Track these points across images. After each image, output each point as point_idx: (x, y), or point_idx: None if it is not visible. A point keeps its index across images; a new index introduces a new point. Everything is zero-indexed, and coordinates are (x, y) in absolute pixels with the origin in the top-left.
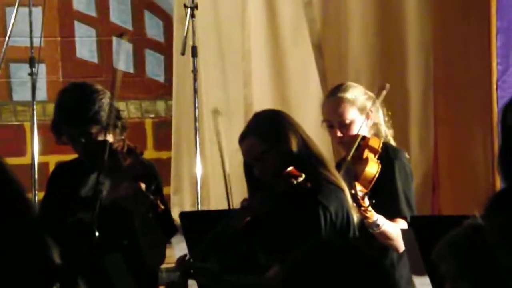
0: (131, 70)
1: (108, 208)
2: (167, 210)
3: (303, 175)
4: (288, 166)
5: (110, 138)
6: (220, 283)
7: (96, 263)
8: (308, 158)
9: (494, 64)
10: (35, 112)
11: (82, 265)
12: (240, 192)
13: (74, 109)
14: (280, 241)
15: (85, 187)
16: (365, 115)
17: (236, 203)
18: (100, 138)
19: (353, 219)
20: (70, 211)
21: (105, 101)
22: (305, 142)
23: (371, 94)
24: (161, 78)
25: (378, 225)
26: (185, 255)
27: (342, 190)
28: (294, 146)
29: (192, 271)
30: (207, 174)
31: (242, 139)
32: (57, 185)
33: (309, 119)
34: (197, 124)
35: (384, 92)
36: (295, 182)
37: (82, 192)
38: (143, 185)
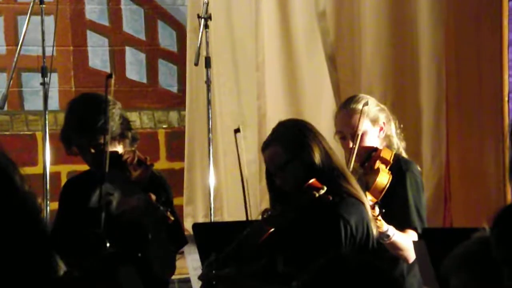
0: (144, 80)
1: (121, 221)
2: (178, 221)
3: (325, 188)
4: (310, 178)
5: (120, 149)
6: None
7: (108, 275)
8: (330, 170)
9: (506, 76)
10: (47, 121)
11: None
12: (252, 201)
13: (83, 120)
14: (300, 254)
15: (94, 198)
16: (378, 127)
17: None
18: (110, 148)
19: (373, 232)
20: (81, 223)
21: (115, 111)
22: (328, 154)
23: (383, 106)
24: (174, 88)
25: (388, 236)
26: (209, 267)
27: (363, 203)
28: (317, 158)
29: (214, 282)
30: (220, 185)
31: (266, 146)
32: (68, 199)
33: (322, 130)
34: (210, 135)
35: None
36: (317, 194)
37: (92, 203)
38: (153, 197)
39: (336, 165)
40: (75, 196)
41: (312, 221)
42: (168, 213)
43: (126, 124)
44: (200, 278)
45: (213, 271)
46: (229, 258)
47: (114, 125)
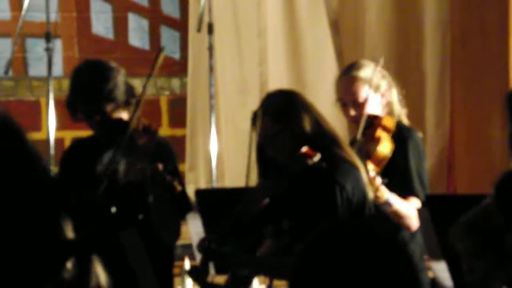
0: (147, 47)
1: (123, 183)
2: (183, 189)
3: (318, 155)
4: (302, 147)
5: (125, 115)
6: (239, 266)
7: (112, 238)
8: (321, 138)
9: (511, 42)
10: (51, 87)
11: (97, 241)
12: (253, 170)
13: (89, 87)
14: (297, 222)
15: (100, 165)
16: (380, 94)
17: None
18: (115, 115)
19: (369, 197)
20: (86, 188)
21: (120, 78)
22: (319, 122)
23: (385, 72)
24: (177, 55)
25: (389, 204)
26: (205, 239)
27: (357, 168)
28: (308, 126)
29: (213, 260)
30: (222, 152)
31: (255, 118)
32: (71, 162)
33: (324, 97)
34: (212, 101)
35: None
36: (310, 162)
37: (98, 170)
38: (160, 166)
39: (328, 132)
40: (79, 161)
41: (307, 189)
42: (175, 182)
43: (130, 91)
44: (200, 252)
45: (211, 249)
46: (227, 231)
47: (120, 92)
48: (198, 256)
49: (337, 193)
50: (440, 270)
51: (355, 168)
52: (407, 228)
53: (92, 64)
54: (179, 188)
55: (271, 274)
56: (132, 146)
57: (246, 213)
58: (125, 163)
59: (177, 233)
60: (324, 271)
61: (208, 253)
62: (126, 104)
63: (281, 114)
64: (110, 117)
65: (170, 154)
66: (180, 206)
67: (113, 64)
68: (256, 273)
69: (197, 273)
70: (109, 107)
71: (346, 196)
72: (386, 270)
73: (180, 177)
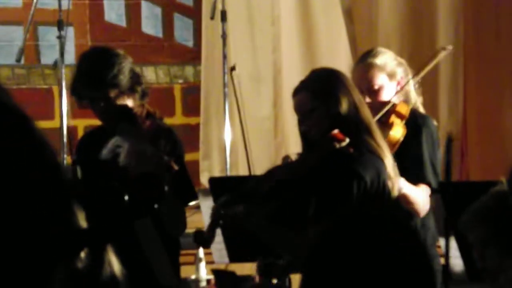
0: (160, 35)
1: (137, 172)
2: (186, 175)
3: (347, 140)
4: (334, 128)
5: (129, 102)
6: (248, 226)
7: (126, 228)
8: (355, 123)
9: None
10: (63, 75)
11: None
12: (266, 157)
13: (92, 73)
14: (315, 205)
15: (104, 150)
16: (396, 82)
17: (261, 170)
18: (120, 102)
19: (389, 191)
20: (93, 176)
21: (125, 65)
22: (356, 107)
23: (401, 60)
24: (190, 43)
25: (399, 188)
26: (219, 206)
27: (382, 160)
28: (344, 109)
29: (221, 220)
30: (236, 140)
31: (295, 93)
32: (83, 152)
33: None
34: (226, 89)
35: (443, 53)
36: (337, 145)
37: (102, 155)
38: (159, 148)
39: (363, 118)
40: (88, 150)
41: (328, 172)
42: (172, 162)
43: (136, 78)
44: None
45: (223, 211)
46: (241, 199)
47: (124, 79)
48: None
49: (354, 183)
50: (453, 256)
51: (379, 160)
52: (415, 213)
53: (97, 50)
54: (175, 167)
55: (274, 244)
56: (134, 131)
57: (264, 184)
58: (127, 148)
59: (182, 224)
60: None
61: (218, 214)
62: (131, 91)
63: (320, 92)
64: (114, 103)
65: (169, 136)
66: (182, 191)
67: (120, 51)
68: (261, 239)
69: (202, 237)
70: (112, 93)
71: (364, 187)
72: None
73: (181, 160)
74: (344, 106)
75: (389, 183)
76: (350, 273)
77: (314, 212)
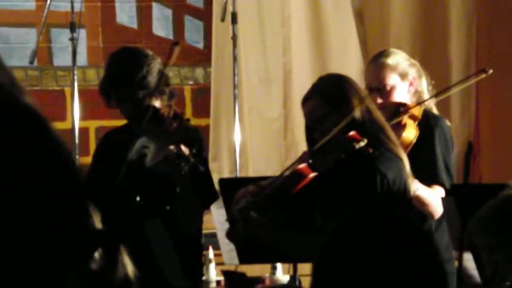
0: (171, 37)
1: (151, 172)
2: (209, 176)
3: (365, 140)
4: (350, 131)
5: (157, 103)
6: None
7: (137, 228)
8: (370, 125)
9: None
10: (75, 77)
11: (124, 231)
12: (276, 158)
13: (121, 73)
14: (335, 204)
15: (131, 152)
16: (408, 82)
17: (271, 171)
18: (148, 103)
19: (409, 190)
20: (117, 176)
21: (154, 66)
22: (369, 109)
23: (414, 61)
24: (200, 45)
25: (413, 190)
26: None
27: (401, 159)
28: (357, 112)
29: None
30: (245, 141)
31: (306, 100)
32: (105, 152)
33: None
34: (236, 91)
35: (483, 75)
36: (357, 146)
37: (129, 156)
38: (184, 148)
39: (377, 120)
40: (111, 149)
41: (349, 173)
42: (199, 164)
43: (164, 79)
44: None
45: (247, 215)
46: (265, 202)
47: (153, 80)
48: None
49: (378, 181)
50: (467, 259)
51: (398, 159)
52: (429, 215)
53: (127, 51)
54: (201, 168)
55: (296, 252)
56: (161, 132)
57: (289, 185)
58: (153, 149)
59: (199, 221)
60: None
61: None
62: (159, 93)
63: (332, 96)
64: (142, 104)
65: (197, 139)
66: (205, 192)
67: (149, 52)
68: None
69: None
70: (141, 94)
71: (387, 185)
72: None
73: (207, 163)
74: (357, 109)
75: (409, 182)
76: (357, 274)
77: (335, 211)
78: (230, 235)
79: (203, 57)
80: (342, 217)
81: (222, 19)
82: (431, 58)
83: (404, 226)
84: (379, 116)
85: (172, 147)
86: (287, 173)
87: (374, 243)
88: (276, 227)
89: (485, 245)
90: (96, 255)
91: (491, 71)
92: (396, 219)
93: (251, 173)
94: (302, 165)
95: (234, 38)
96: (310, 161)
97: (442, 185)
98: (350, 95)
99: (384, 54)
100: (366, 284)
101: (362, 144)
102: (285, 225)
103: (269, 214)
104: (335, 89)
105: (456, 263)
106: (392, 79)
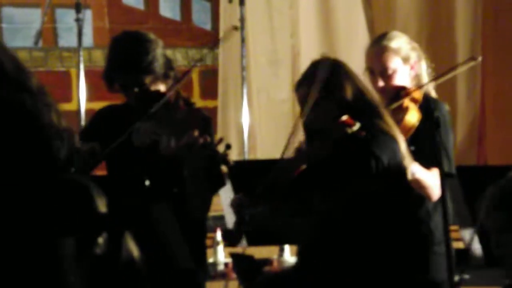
0: (178, 18)
1: (158, 157)
2: (218, 162)
3: (358, 124)
4: (343, 115)
5: (162, 88)
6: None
7: (144, 212)
8: (363, 107)
9: None
10: (81, 58)
11: (130, 215)
12: (284, 139)
13: (128, 59)
14: (332, 190)
15: (137, 135)
16: (409, 66)
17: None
18: (153, 88)
19: (405, 170)
20: (125, 160)
21: (159, 50)
22: (362, 91)
23: (414, 44)
24: (208, 26)
25: (412, 172)
26: (238, 199)
27: (396, 140)
28: (350, 95)
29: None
30: (253, 124)
31: (298, 86)
32: (101, 125)
33: (355, 69)
34: (244, 73)
35: (472, 63)
36: (349, 130)
37: (134, 139)
38: (209, 139)
39: (370, 102)
40: (109, 126)
41: (344, 157)
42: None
43: (168, 63)
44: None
45: (246, 211)
46: (263, 195)
47: (158, 65)
48: (230, 219)
49: (372, 164)
50: (471, 239)
51: (393, 140)
52: (427, 197)
53: (131, 35)
54: (231, 162)
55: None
56: (172, 119)
57: (282, 178)
58: (167, 136)
59: (207, 205)
60: None
61: (243, 213)
62: (164, 77)
63: (324, 83)
64: (148, 89)
65: (208, 127)
66: (215, 178)
67: (152, 36)
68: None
69: (231, 237)
70: (147, 79)
71: (382, 167)
72: None
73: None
74: (349, 92)
75: (404, 163)
76: (350, 257)
77: (331, 196)
78: (235, 238)
79: (210, 38)
80: (338, 201)
81: (230, 1)
82: (437, 41)
83: (401, 208)
84: (373, 97)
85: (195, 133)
86: (283, 163)
87: (370, 224)
88: (276, 215)
89: (495, 226)
90: (101, 240)
91: (480, 58)
92: (392, 201)
93: (260, 155)
94: (296, 154)
95: (242, 19)
96: (305, 148)
97: (441, 167)
98: (341, 79)
99: (386, 37)
100: (359, 265)
101: (354, 128)
102: (285, 213)
103: (269, 205)
104: (327, 74)
105: (457, 244)
106: (394, 63)
